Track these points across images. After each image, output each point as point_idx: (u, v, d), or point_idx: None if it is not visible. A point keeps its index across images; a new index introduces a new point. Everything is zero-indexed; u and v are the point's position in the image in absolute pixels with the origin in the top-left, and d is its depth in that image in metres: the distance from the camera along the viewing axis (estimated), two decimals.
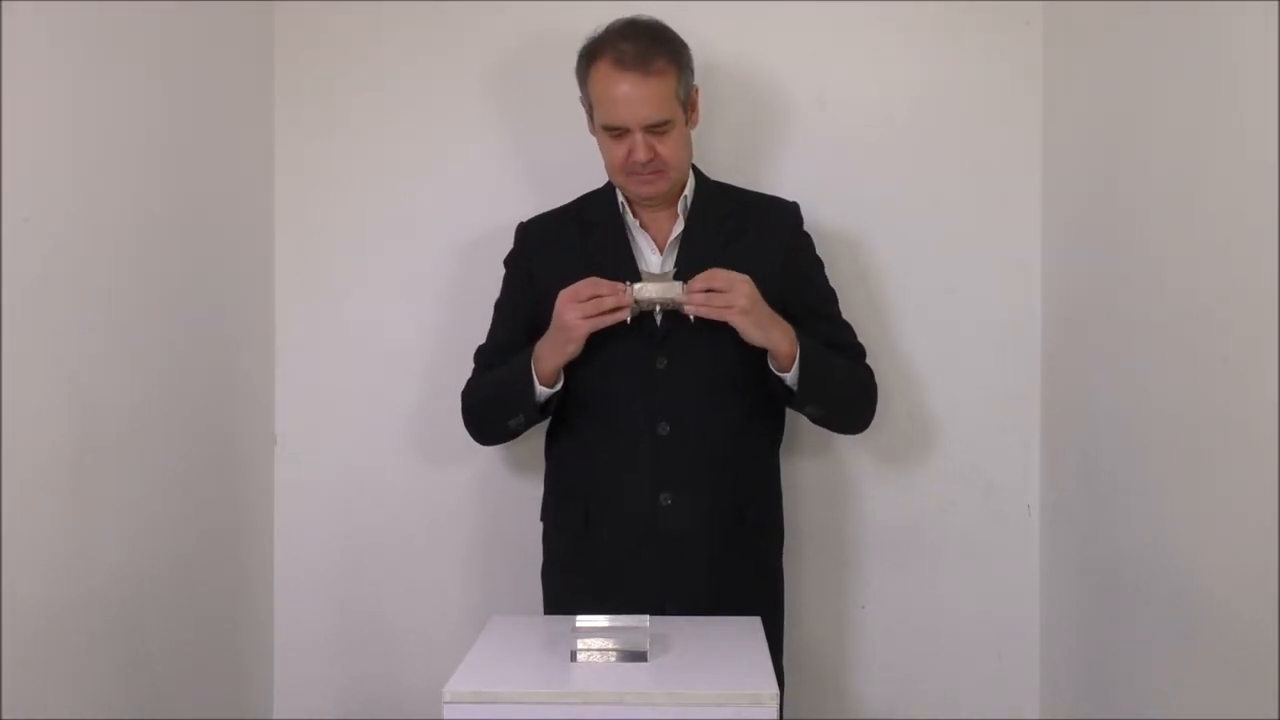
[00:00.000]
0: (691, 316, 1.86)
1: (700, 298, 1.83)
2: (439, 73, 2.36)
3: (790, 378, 1.90)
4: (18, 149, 1.58)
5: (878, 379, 2.07)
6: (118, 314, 1.84)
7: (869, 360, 2.08)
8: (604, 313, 1.85)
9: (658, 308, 1.90)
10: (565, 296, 1.87)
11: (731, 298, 1.83)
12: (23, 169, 1.59)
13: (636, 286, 1.86)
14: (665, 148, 1.91)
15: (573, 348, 1.88)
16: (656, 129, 1.90)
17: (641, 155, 1.90)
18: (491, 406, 2.02)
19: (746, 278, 1.85)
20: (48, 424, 1.67)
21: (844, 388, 2.00)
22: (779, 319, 1.89)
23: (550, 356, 1.90)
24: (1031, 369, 2.31)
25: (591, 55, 1.93)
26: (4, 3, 1.55)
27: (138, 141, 1.91)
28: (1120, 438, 1.92)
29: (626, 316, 1.86)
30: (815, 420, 2.02)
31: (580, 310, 1.85)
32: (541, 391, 1.93)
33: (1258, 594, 1.46)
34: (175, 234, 2.02)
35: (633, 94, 1.88)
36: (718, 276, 1.85)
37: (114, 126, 1.84)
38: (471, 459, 2.33)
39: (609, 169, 1.98)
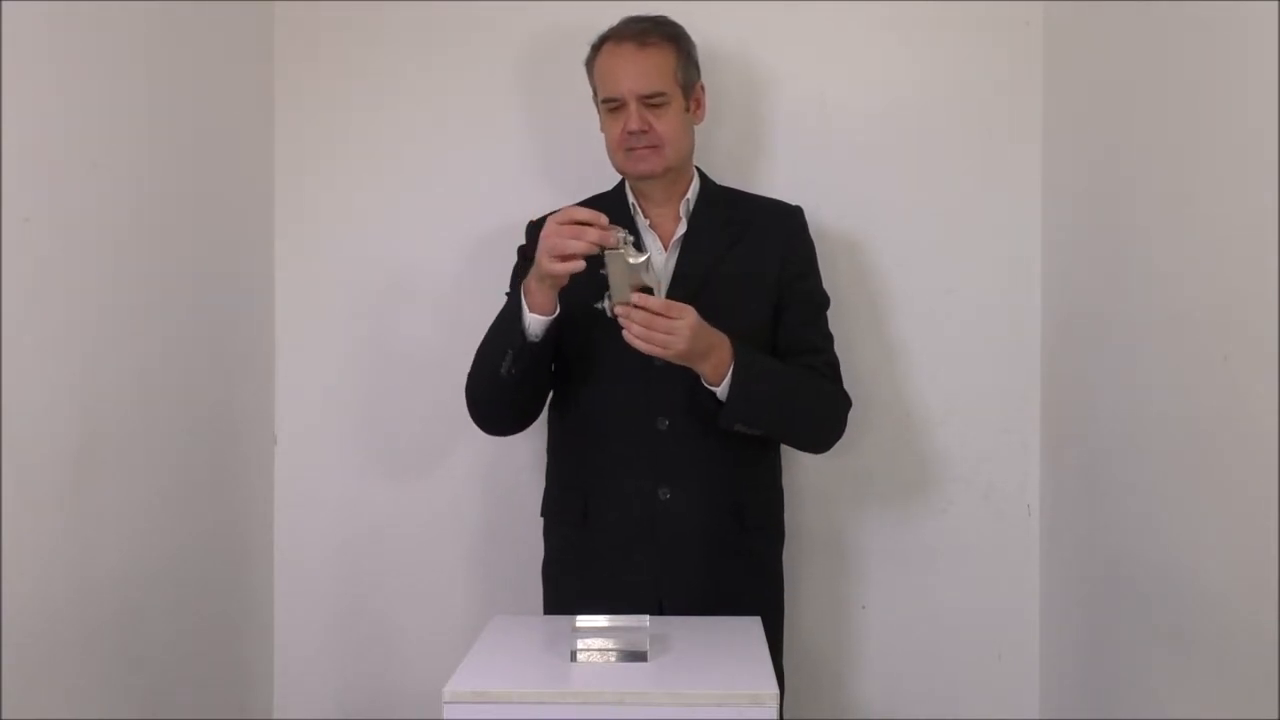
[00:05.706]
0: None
1: (639, 331, 1.74)
2: (440, 71, 2.36)
3: (720, 391, 1.84)
4: (18, 149, 1.58)
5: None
6: (118, 314, 1.84)
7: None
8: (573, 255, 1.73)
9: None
10: (545, 235, 1.75)
11: (670, 340, 1.74)
12: (23, 169, 1.59)
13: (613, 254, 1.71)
14: (661, 124, 1.93)
15: (550, 281, 1.78)
16: (651, 101, 1.92)
17: (634, 125, 1.91)
18: (485, 356, 1.92)
19: (689, 319, 1.74)
20: (48, 423, 1.67)
21: (785, 409, 1.91)
22: (718, 346, 1.80)
23: (536, 290, 1.80)
24: (1031, 369, 2.31)
25: (599, 43, 1.99)
26: (4, 2, 1.55)
27: (138, 141, 1.91)
28: (1120, 438, 1.92)
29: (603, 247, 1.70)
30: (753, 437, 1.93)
31: (550, 249, 1.73)
32: (533, 319, 1.82)
33: (1258, 594, 1.46)
34: (175, 234, 2.02)
35: (627, 64, 1.92)
36: (658, 323, 1.73)
37: (114, 126, 1.84)
38: (473, 459, 2.33)
39: (609, 150, 1.99)
